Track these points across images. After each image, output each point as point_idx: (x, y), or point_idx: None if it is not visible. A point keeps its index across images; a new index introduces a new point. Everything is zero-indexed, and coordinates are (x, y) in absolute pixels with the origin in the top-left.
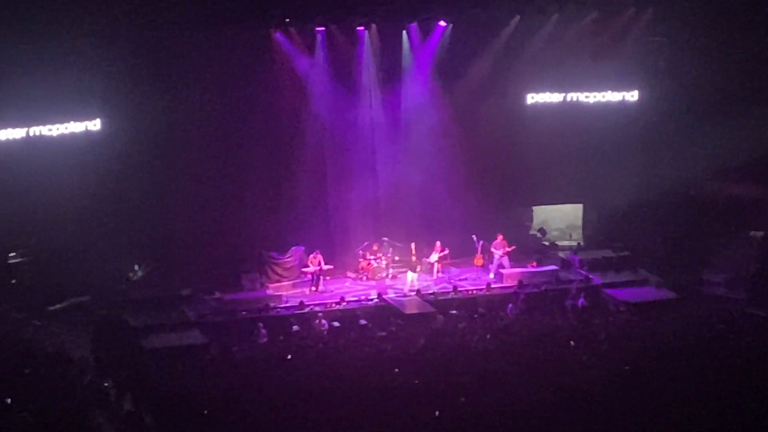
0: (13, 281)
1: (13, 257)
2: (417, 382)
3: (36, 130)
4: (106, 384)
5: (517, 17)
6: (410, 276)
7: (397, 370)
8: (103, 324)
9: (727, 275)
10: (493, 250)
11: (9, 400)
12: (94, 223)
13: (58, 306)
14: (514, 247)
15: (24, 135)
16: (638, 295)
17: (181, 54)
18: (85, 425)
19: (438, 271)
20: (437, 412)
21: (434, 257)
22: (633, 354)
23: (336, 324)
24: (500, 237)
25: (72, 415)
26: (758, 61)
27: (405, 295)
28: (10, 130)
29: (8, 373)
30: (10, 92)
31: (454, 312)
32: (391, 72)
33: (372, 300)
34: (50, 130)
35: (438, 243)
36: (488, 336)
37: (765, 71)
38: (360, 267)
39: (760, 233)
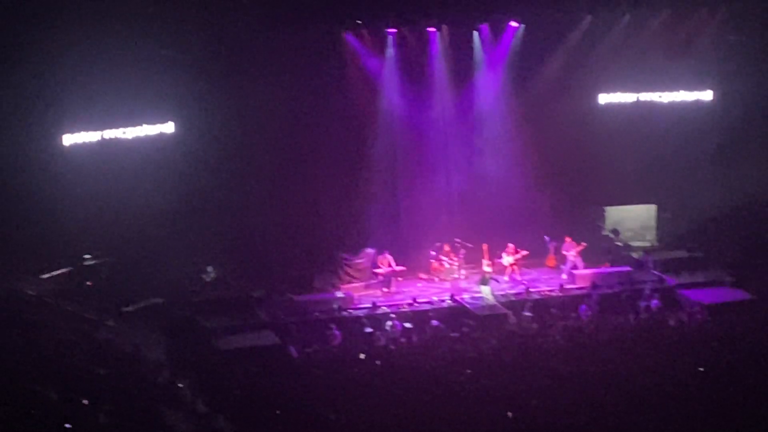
0: (89, 283)
1: (88, 259)
2: (490, 383)
3: (111, 134)
4: (180, 385)
5: (589, 17)
6: (484, 290)
7: (469, 371)
8: (177, 325)
9: None
10: (564, 252)
11: (85, 401)
12: (167, 225)
13: (132, 307)
14: (585, 244)
15: (99, 138)
16: (713, 297)
17: (252, 56)
18: (160, 426)
19: (512, 273)
20: (510, 414)
21: (508, 260)
22: (707, 356)
23: (408, 325)
24: (568, 239)
25: (146, 415)
26: None
27: (477, 297)
28: (84, 133)
29: (83, 373)
30: (84, 96)
31: (527, 314)
32: (462, 72)
33: (444, 301)
34: (124, 133)
35: (511, 245)
36: (560, 338)
37: None
38: (432, 268)
39: None
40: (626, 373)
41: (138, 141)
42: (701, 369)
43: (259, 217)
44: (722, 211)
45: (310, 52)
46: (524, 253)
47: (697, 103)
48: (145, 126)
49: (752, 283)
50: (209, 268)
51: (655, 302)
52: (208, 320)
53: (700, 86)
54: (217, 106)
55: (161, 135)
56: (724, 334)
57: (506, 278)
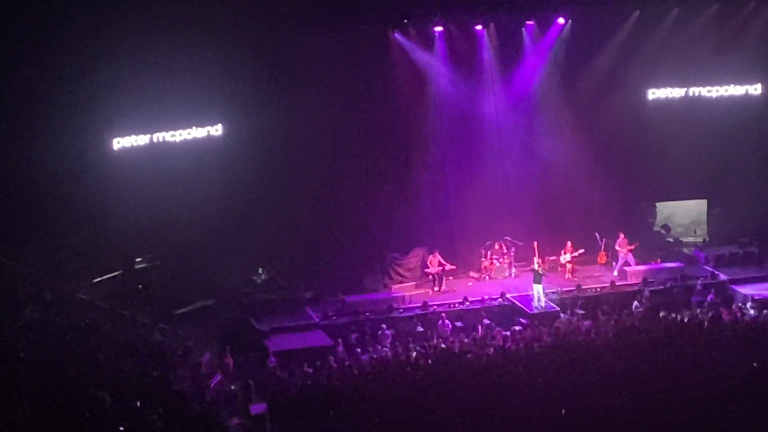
0: (140, 286)
1: (139, 262)
2: (542, 381)
3: (159, 136)
4: (232, 387)
5: (637, 12)
6: (536, 289)
7: (521, 368)
8: (229, 327)
9: None
10: (617, 248)
11: (138, 403)
12: (218, 227)
13: (184, 310)
14: (637, 244)
15: (148, 141)
16: (766, 291)
17: (299, 56)
18: (214, 427)
19: (569, 272)
20: (563, 411)
21: (565, 258)
22: (762, 350)
23: (459, 324)
24: (621, 235)
25: (199, 417)
26: None
27: (529, 295)
28: (134, 137)
29: (137, 376)
30: (133, 99)
31: (578, 311)
32: (511, 69)
33: (495, 299)
34: (173, 136)
35: (569, 243)
36: (612, 335)
37: None
38: (482, 266)
39: None
40: (680, 369)
41: (187, 143)
42: (755, 364)
43: (309, 218)
44: None
45: (357, 52)
46: (581, 251)
47: (747, 97)
48: (194, 128)
49: None
50: (260, 270)
51: (711, 297)
52: (259, 321)
53: (749, 80)
54: (265, 107)
55: (210, 137)
56: None
57: (568, 276)
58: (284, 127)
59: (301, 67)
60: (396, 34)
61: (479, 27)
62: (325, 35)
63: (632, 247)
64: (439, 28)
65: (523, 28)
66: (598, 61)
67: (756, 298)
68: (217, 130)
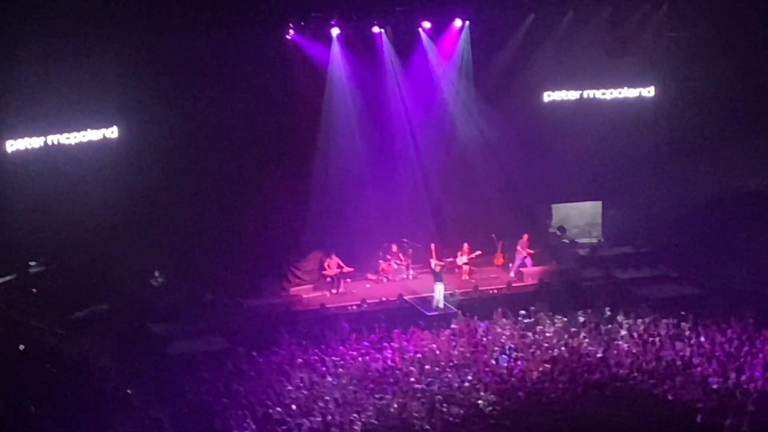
0: (34, 290)
1: (33, 266)
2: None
3: (54, 139)
4: (129, 391)
5: (532, 16)
6: (437, 289)
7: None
8: (126, 331)
9: (751, 268)
10: (518, 249)
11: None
12: (115, 230)
13: (79, 314)
14: (536, 250)
15: (42, 144)
16: (661, 291)
17: (196, 57)
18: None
19: (466, 273)
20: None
21: (462, 259)
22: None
23: (357, 326)
24: (525, 236)
25: (95, 422)
26: None
27: (427, 297)
28: (28, 139)
29: (30, 381)
30: (27, 101)
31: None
32: (409, 72)
33: (393, 301)
34: (68, 138)
35: (465, 245)
36: (508, 335)
37: None
38: (380, 269)
39: None
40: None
41: (82, 146)
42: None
43: (207, 221)
44: (667, 207)
45: (255, 53)
46: (478, 252)
47: (640, 99)
48: (89, 131)
49: (697, 278)
50: (156, 273)
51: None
52: (157, 325)
53: (642, 83)
54: (162, 109)
55: (105, 140)
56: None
57: (465, 277)
58: (181, 130)
59: (198, 68)
60: (294, 35)
61: (376, 29)
62: (223, 36)
63: (533, 251)
64: (336, 30)
65: (420, 29)
66: (495, 63)
67: (650, 298)
68: (112, 132)
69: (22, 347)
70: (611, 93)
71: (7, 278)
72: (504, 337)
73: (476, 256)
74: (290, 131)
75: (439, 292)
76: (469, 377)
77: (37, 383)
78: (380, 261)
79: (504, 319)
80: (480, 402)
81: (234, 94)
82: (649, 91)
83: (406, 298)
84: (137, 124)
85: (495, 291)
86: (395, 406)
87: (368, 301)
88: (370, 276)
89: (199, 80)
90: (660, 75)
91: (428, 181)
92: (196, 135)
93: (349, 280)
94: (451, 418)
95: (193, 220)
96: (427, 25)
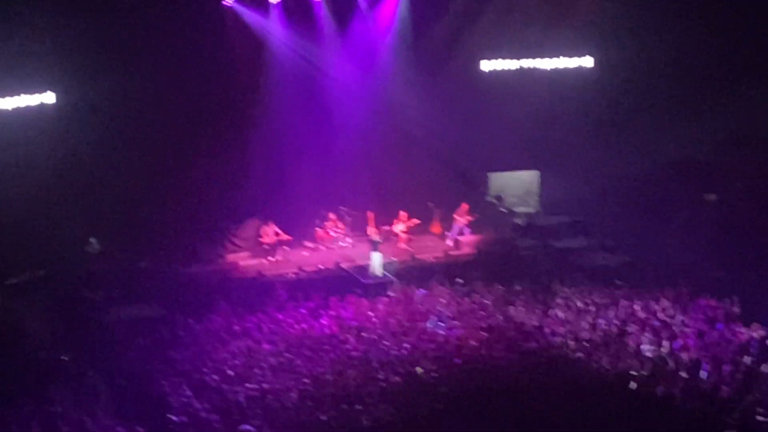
0: None
1: None
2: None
3: None
4: (64, 358)
5: None
6: (374, 257)
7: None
8: (62, 298)
9: (684, 238)
10: (456, 217)
11: None
12: (50, 197)
13: (13, 280)
14: (475, 217)
15: None
16: (596, 261)
17: (132, 23)
18: (43, 399)
19: (404, 242)
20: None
21: (399, 227)
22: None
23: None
24: (465, 206)
25: (29, 391)
26: (722, 27)
27: (363, 265)
28: None
29: None
30: None
31: (412, 281)
32: (349, 39)
33: (330, 269)
34: (1, 103)
35: (402, 213)
36: (445, 302)
37: (729, 39)
38: (318, 236)
39: (713, 196)
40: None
41: (17, 112)
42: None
43: (143, 188)
44: (603, 177)
45: (191, 21)
46: (416, 221)
47: (579, 70)
48: (24, 96)
49: (631, 247)
50: (92, 240)
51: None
52: (92, 292)
53: (581, 52)
54: (99, 76)
55: (42, 106)
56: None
57: (402, 245)
58: (119, 97)
59: (134, 34)
60: (233, 1)
61: None
62: (159, 3)
63: (471, 218)
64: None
65: None
66: (436, 32)
67: (583, 267)
68: (49, 98)
69: None
70: (550, 63)
71: None
72: (441, 305)
73: (414, 224)
74: (228, 98)
75: (376, 260)
76: (407, 345)
77: None
78: (318, 229)
79: (441, 287)
80: (417, 369)
81: (171, 60)
82: (587, 61)
83: (343, 266)
84: (75, 91)
85: (433, 259)
86: (332, 373)
87: (305, 269)
88: (307, 244)
89: (136, 47)
90: (597, 45)
91: (367, 149)
92: (134, 102)
93: (286, 247)
94: (388, 386)
95: (130, 187)
96: None
